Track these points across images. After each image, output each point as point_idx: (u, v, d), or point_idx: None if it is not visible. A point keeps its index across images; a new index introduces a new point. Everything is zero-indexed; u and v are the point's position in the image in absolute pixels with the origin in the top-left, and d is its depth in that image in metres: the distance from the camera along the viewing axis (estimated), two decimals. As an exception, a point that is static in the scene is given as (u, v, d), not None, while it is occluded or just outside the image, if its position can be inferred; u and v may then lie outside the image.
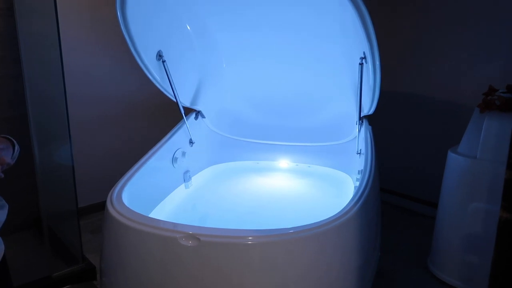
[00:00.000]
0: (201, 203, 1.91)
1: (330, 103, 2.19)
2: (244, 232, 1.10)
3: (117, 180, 1.46)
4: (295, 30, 1.92)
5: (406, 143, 2.60)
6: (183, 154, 1.98)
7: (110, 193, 1.36)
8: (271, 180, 2.21)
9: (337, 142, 2.20)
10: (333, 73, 2.05)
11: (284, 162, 2.35)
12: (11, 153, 0.93)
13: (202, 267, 1.07)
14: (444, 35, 2.31)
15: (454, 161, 1.66)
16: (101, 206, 1.30)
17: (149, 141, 1.85)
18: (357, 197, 1.33)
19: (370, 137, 1.85)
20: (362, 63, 1.65)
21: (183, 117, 2.01)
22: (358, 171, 1.76)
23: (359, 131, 1.96)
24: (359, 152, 1.95)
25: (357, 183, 1.56)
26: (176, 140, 1.94)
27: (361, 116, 1.93)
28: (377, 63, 1.54)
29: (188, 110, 2.13)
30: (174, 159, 1.91)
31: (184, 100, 2.02)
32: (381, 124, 2.18)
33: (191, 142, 2.07)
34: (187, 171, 2.01)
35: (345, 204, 1.28)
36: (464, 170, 1.61)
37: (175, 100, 1.93)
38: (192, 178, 2.04)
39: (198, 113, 2.18)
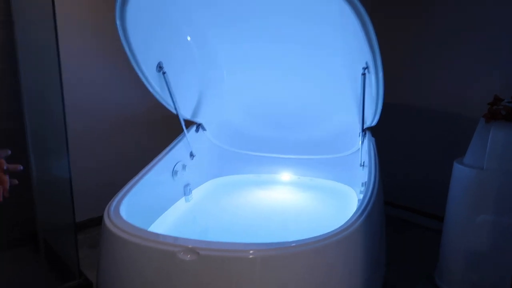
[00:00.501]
0: (202, 217, 1.88)
1: (333, 115, 2.17)
2: (245, 245, 1.06)
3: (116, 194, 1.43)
4: (297, 41, 1.91)
5: (410, 155, 2.57)
6: (184, 167, 1.95)
7: (107, 206, 1.32)
8: (273, 193, 2.17)
9: (340, 155, 2.18)
10: (335, 84, 2.03)
11: (286, 175, 2.32)
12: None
13: (201, 282, 1.03)
14: (448, 45, 2.30)
15: (460, 172, 1.63)
16: (100, 221, 1.27)
17: (150, 154, 1.82)
18: (361, 209, 1.30)
19: (374, 149, 1.83)
20: (365, 73, 1.63)
21: (183, 130, 1.99)
22: (362, 183, 1.73)
23: (362, 143, 1.94)
24: (362, 164, 1.92)
25: (361, 196, 1.53)
26: (177, 153, 1.91)
27: (364, 127, 1.91)
28: (380, 72, 1.52)
29: (189, 123, 2.11)
30: (174, 172, 1.88)
31: (184, 113, 2.00)
32: (384, 136, 2.15)
33: (191, 155, 2.05)
34: (187, 185, 1.98)
35: (348, 217, 1.25)
36: (470, 181, 1.57)
37: (175, 113, 1.91)
38: (192, 191, 2.00)
39: (199, 126, 2.16)
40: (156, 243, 1.07)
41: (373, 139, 1.92)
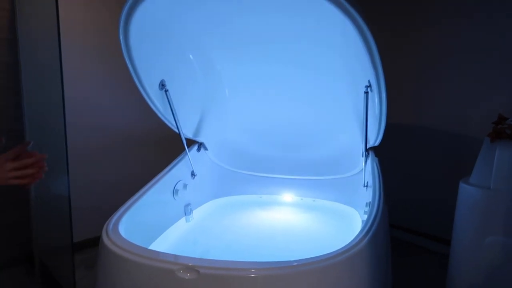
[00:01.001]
0: (203, 237, 1.83)
1: (335, 135, 2.16)
2: (246, 264, 1.02)
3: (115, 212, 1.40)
4: (298, 62, 1.92)
5: (414, 175, 2.54)
6: (185, 186, 1.92)
7: (106, 223, 1.29)
8: (275, 214, 2.14)
9: (343, 176, 2.15)
10: (338, 104, 2.02)
11: (288, 196, 2.29)
12: None
13: (200, 302, 0.99)
14: (450, 64, 2.31)
15: (467, 192, 1.60)
16: (98, 241, 1.23)
17: (150, 173, 1.80)
18: (366, 229, 1.26)
19: (377, 169, 1.80)
20: (367, 92, 1.63)
21: (185, 149, 1.97)
22: (366, 203, 1.70)
23: (365, 163, 1.91)
24: (366, 184, 1.89)
25: (365, 216, 1.49)
26: (178, 172, 1.89)
27: (367, 147, 1.89)
28: (383, 90, 1.51)
29: (191, 142, 2.09)
30: (175, 191, 1.85)
31: (186, 132, 1.99)
32: (387, 156, 2.13)
33: (193, 174, 2.02)
34: (188, 204, 1.95)
35: (352, 238, 1.21)
36: (477, 201, 1.54)
37: (177, 131, 1.90)
38: (193, 211, 1.97)
39: (200, 145, 2.15)
40: (155, 261, 1.04)
41: (376, 159, 1.89)
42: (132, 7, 1.45)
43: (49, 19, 1.57)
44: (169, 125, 1.90)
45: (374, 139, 1.84)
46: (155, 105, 1.78)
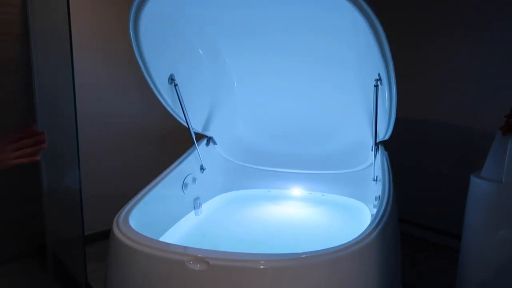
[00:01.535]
0: (212, 231, 1.84)
1: (345, 129, 2.15)
2: (256, 256, 1.03)
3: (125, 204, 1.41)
4: (308, 55, 1.91)
5: (424, 169, 2.52)
6: (194, 180, 1.94)
7: (116, 216, 1.31)
8: (284, 208, 2.14)
9: (352, 170, 2.14)
10: (348, 98, 2.01)
11: (297, 190, 2.28)
12: None
13: (210, 293, 0.99)
14: (462, 57, 2.28)
15: (478, 186, 1.58)
16: (109, 234, 1.25)
17: (160, 167, 1.82)
18: (375, 222, 1.26)
19: (387, 163, 1.79)
20: (377, 85, 1.62)
21: (194, 143, 1.98)
22: (375, 197, 1.69)
23: (375, 157, 1.90)
24: (375, 179, 1.88)
25: (374, 210, 1.49)
26: (187, 166, 1.90)
27: (377, 141, 1.88)
28: (393, 83, 1.50)
29: (200, 136, 2.10)
30: (184, 185, 1.86)
31: (195, 126, 2.00)
32: (397, 150, 2.12)
33: (202, 168, 2.03)
34: (197, 198, 1.96)
35: (361, 232, 1.21)
36: (489, 195, 1.52)
37: (186, 125, 1.91)
38: (202, 205, 1.98)
39: (209, 139, 2.15)
40: (165, 252, 1.05)
41: (386, 153, 1.88)
42: (141, 2, 1.46)
43: (60, 15, 1.58)
44: (178, 119, 1.91)
45: (384, 133, 1.83)
46: (164, 99, 1.79)
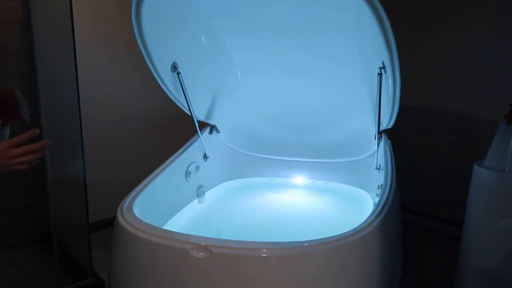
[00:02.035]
0: (215, 218, 1.86)
1: (348, 118, 2.14)
2: (258, 244, 1.04)
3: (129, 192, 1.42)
4: (311, 43, 1.89)
5: (427, 158, 2.52)
6: (197, 168, 1.94)
7: (120, 204, 1.32)
8: (287, 196, 2.15)
9: (355, 158, 2.14)
10: (351, 87, 2.00)
11: (300, 179, 2.29)
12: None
13: (214, 280, 1.01)
14: (467, 46, 2.26)
15: (481, 175, 1.58)
16: (113, 222, 1.26)
17: (164, 155, 1.82)
18: (378, 210, 1.26)
19: (390, 152, 1.79)
20: (381, 73, 1.60)
21: (197, 131, 1.98)
22: (378, 186, 1.69)
23: (378, 146, 1.90)
24: (378, 167, 1.89)
25: (377, 199, 1.49)
26: (190, 154, 1.91)
27: (380, 130, 1.87)
28: (397, 71, 1.49)
29: (203, 125, 2.10)
30: (187, 173, 1.87)
31: (198, 114, 1.99)
32: (400, 139, 2.11)
33: (205, 156, 2.04)
34: (200, 186, 1.97)
35: (364, 220, 1.21)
36: (491, 184, 1.52)
37: (189, 114, 1.91)
38: (205, 193, 1.99)
39: (212, 128, 2.16)
40: (168, 240, 1.06)
41: (389, 141, 1.88)
42: (143, -11, 1.45)
43: (61, 2, 1.57)
44: (182, 107, 1.91)
45: (387, 121, 1.82)
46: (167, 88, 1.79)
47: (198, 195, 1.94)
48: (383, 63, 1.57)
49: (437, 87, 2.42)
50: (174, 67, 1.76)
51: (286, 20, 1.80)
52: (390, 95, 1.64)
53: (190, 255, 1.01)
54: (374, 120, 1.86)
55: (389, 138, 1.91)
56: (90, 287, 1.75)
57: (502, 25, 2.10)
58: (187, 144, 1.93)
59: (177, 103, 1.89)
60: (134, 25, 1.52)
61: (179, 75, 1.77)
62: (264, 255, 1.01)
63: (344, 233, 1.11)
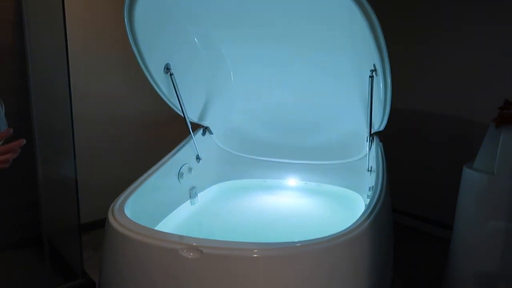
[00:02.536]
0: (207, 220, 1.86)
1: (340, 120, 2.16)
2: (249, 245, 1.04)
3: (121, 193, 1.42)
4: (304, 45, 1.90)
5: (418, 160, 2.54)
6: (190, 170, 1.94)
7: (112, 204, 1.32)
8: (279, 198, 2.15)
9: (348, 160, 2.16)
10: (343, 89, 2.02)
11: (292, 181, 2.30)
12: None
13: (204, 281, 1.01)
14: (457, 49, 2.28)
15: (470, 177, 1.59)
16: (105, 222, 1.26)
17: (156, 156, 1.82)
18: (368, 211, 1.28)
19: (382, 154, 1.80)
20: (372, 76, 1.62)
21: (190, 133, 1.98)
22: (369, 187, 1.71)
23: (369, 148, 1.91)
24: (370, 169, 1.90)
25: (368, 200, 1.50)
26: (183, 155, 1.91)
27: (372, 132, 1.89)
28: (388, 74, 1.51)
29: (196, 126, 2.10)
30: (180, 175, 1.87)
31: (191, 115, 2.00)
32: (392, 141, 2.13)
33: (198, 158, 2.04)
34: (193, 188, 1.97)
35: (354, 222, 1.22)
36: (480, 186, 1.54)
37: (182, 115, 1.91)
38: (198, 195, 1.99)
39: (205, 129, 2.16)
40: (159, 241, 1.06)
41: (380, 144, 1.89)
42: (136, -10, 1.45)
43: (54, 2, 1.57)
44: (175, 109, 1.91)
45: (379, 124, 1.83)
46: (160, 89, 1.79)
47: (190, 197, 1.94)
48: (374, 65, 1.58)
49: (427, 89, 2.44)
50: (167, 69, 1.76)
51: (279, 24, 1.81)
52: (381, 97, 1.66)
53: (181, 255, 1.01)
54: (366, 122, 1.88)
55: (380, 140, 1.92)
56: (81, 288, 1.74)
57: (492, 28, 2.13)
58: (180, 145, 1.93)
59: (170, 104, 1.89)
60: (127, 27, 1.52)
61: (172, 76, 1.77)
62: (255, 255, 1.01)
63: (335, 234, 1.12)
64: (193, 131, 1.99)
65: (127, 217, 1.22)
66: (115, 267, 1.17)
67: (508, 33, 2.08)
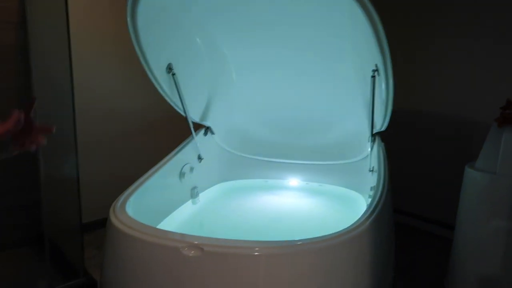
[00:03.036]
0: (208, 219, 1.86)
1: (342, 120, 2.16)
2: (250, 243, 1.04)
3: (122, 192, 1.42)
4: (306, 46, 1.91)
5: (420, 160, 2.53)
6: (191, 169, 1.95)
7: (113, 203, 1.32)
8: (281, 198, 2.15)
9: (349, 161, 2.16)
10: (345, 89, 2.02)
11: (294, 181, 2.30)
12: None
13: (205, 279, 1.01)
14: (459, 50, 2.28)
15: (472, 177, 1.59)
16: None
17: (158, 156, 1.82)
18: (370, 211, 1.28)
19: (383, 154, 1.80)
20: (375, 76, 1.62)
21: (192, 133, 1.99)
22: (371, 187, 1.70)
23: (371, 148, 1.91)
24: (371, 169, 1.90)
25: (370, 200, 1.50)
26: (185, 155, 1.91)
27: (374, 132, 1.89)
28: (390, 74, 1.51)
29: (197, 126, 2.11)
30: (181, 174, 1.87)
31: (193, 115, 2.00)
32: (394, 141, 2.13)
33: (199, 158, 2.04)
34: (194, 187, 1.97)
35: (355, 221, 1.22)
36: (483, 186, 1.54)
37: (184, 115, 1.91)
38: (199, 194, 2.00)
39: (207, 129, 2.16)
40: (160, 239, 1.06)
41: (382, 144, 1.89)
42: (139, -11, 1.45)
43: (57, 1, 1.58)
44: (176, 108, 1.92)
45: (381, 124, 1.83)
46: (162, 89, 1.79)
47: (192, 196, 1.95)
48: (376, 66, 1.58)
49: (429, 89, 2.44)
50: (170, 68, 1.77)
51: (281, 24, 1.81)
52: (383, 97, 1.66)
53: (182, 253, 1.01)
54: (368, 123, 1.88)
55: (382, 141, 1.92)
56: (82, 287, 1.74)
57: (496, 29, 2.12)
58: (181, 145, 1.93)
59: (172, 104, 1.89)
60: (129, 26, 1.52)
61: (174, 76, 1.78)
62: (256, 253, 1.02)
63: (336, 232, 1.12)
64: (195, 131, 2.00)
65: (128, 215, 1.22)
66: (116, 265, 1.18)
67: (511, 33, 2.07)
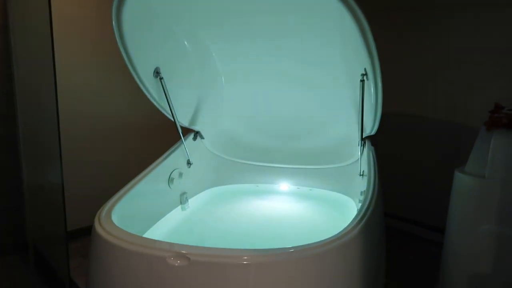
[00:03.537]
0: (198, 226, 1.83)
1: (332, 124, 2.15)
2: (239, 251, 1.02)
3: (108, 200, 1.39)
4: (295, 50, 1.90)
5: (410, 164, 2.53)
6: (180, 175, 1.92)
7: (98, 212, 1.29)
8: (271, 203, 2.13)
9: (340, 165, 2.15)
10: (335, 93, 2.01)
11: (284, 185, 2.28)
12: None
13: (192, 289, 0.98)
14: (448, 52, 2.29)
15: (461, 181, 1.59)
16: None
17: (145, 162, 1.79)
18: (360, 216, 1.26)
19: (373, 158, 1.79)
20: (363, 80, 1.61)
21: (181, 137, 1.96)
22: (361, 192, 1.69)
23: (361, 152, 1.90)
24: (361, 173, 1.89)
25: (360, 205, 1.49)
26: (173, 160, 1.88)
27: (364, 136, 1.88)
28: (379, 78, 1.50)
29: (186, 131, 2.08)
30: (170, 180, 1.85)
31: (182, 120, 1.98)
32: (384, 145, 2.12)
33: (189, 163, 2.02)
34: (184, 193, 1.94)
35: (345, 226, 1.21)
36: (472, 190, 1.53)
37: (172, 119, 1.88)
38: (189, 200, 1.97)
39: (196, 134, 2.14)
40: (145, 248, 1.03)
41: (372, 148, 1.89)
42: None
43: (40, 5, 1.55)
44: (165, 113, 1.89)
45: (370, 128, 1.83)
46: (149, 93, 1.76)
47: (181, 202, 1.92)
48: (365, 70, 1.58)
49: (419, 93, 2.44)
50: (157, 72, 1.74)
51: (270, 29, 1.80)
52: (372, 101, 1.65)
53: (168, 263, 0.98)
54: (358, 127, 1.87)
55: (372, 144, 1.92)
56: (68, 297, 1.71)
57: (484, 31, 2.13)
58: (170, 150, 1.91)
59: (160, 108, 1.87)
60: (114, 28, 1.50)
61: (162, 80, 1.75)
62: (244, 262, 0.99)
63: (326, 239, 1.11)
64: (184, 136, 1.97)
65: (114, 224, 1.19)
66: (102, 275, 1.14)
67: (499, 36, 2.09)
